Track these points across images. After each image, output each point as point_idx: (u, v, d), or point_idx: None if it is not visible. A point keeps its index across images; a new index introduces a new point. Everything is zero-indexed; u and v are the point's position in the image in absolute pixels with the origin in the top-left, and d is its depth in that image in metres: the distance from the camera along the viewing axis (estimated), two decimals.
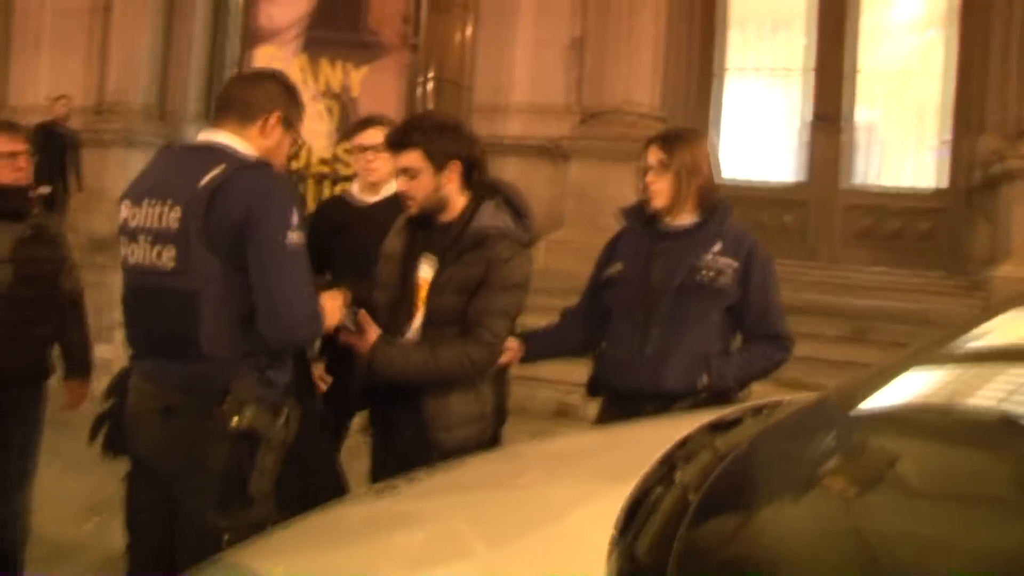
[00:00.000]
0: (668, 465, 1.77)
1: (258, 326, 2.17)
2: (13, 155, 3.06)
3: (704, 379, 2.70)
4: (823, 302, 6.32)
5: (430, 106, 6.84)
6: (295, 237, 2.16)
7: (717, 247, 2.76)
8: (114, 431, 2.31)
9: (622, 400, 2.86)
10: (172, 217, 2.12)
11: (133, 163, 7.83)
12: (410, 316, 2.73)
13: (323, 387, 3.42)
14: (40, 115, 9.18)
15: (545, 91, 7.71)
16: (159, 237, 2.14)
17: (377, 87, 6.19)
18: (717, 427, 2.19)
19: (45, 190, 8.52)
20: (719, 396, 2.70)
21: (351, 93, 6.21)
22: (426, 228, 2.75)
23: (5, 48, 9.80)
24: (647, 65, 7.38)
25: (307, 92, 6.16)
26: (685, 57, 8.14)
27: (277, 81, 2.38)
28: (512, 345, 2.93)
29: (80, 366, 3.29)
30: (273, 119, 2.29)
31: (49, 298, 3.18)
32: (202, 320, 2.12)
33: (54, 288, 3.20)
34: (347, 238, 3.33)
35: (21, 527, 3.18)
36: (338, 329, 2.57)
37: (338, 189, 5.92)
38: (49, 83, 9.54)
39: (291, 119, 2.35)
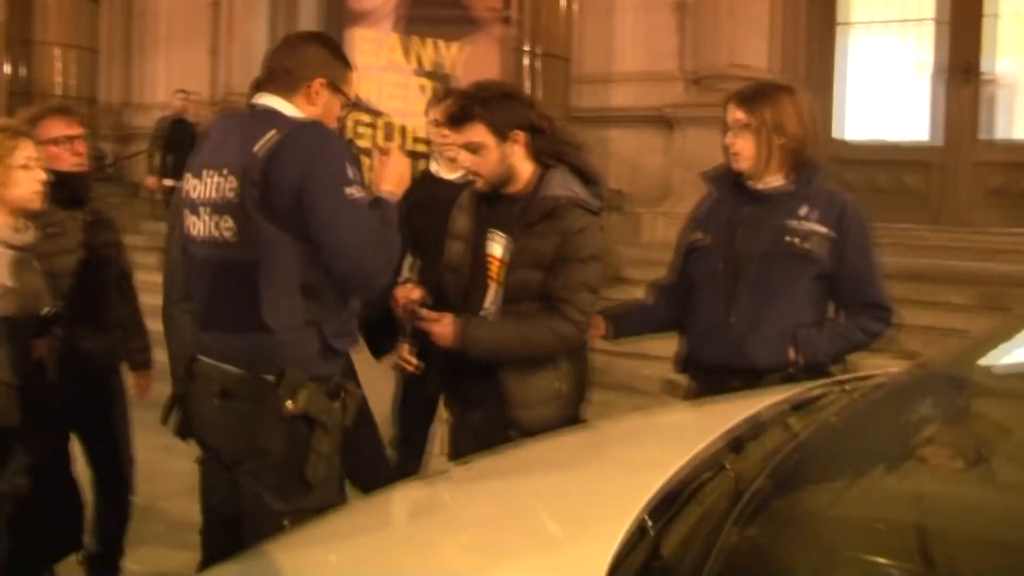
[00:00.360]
0: (725, 447, 1.63)
1: (342, 285, 2.19)
2: (70, 139, 3.02)
3: (793, 353, 2.52)
4: (950, 267, 5.88)
5: (531, 80, 6.72)
6: (356, 191, 2.12)
7: (805, 210, 2.55)
8: (184, 414, 2.33)
9: (710, 375, 2.70)
10: (228, 187, 2.11)
11: None
12: (483, 295, 2.65)
13: (411, 368, 3.41)
14: (165, 111, 9.58)
15: (651, 58, 7.46)
16: (217, 208, 2.14)
17: (474, 63, 6.10)
18: (798, 404, 2.03)
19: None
20: (811, 371, 2.51)
21: (448, 70, 6.14)
22: (492, 202, 2.67)
23: (130, 47, 10.26)
24: (759, 23, 7.03)
25: (403, 71, 6.13)
26: (804, 11, 7.72)
27: (317, 44, 2.30)
28: (595, 324, 2.84)
29: (140, 355, 3.28)
30: (316, 85, 2.22)
31: (115, 282, 3.20)
32: (262, 290, 2.10)
33: (116, 272, 3.21)
34: (432, 215, 3.27)
35: (126, 511, 3.27)
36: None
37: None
38: (172, 79, 9.93)
39: (336, 82, 2.27)
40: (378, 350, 2.80)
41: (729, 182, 2.71)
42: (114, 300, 3.19)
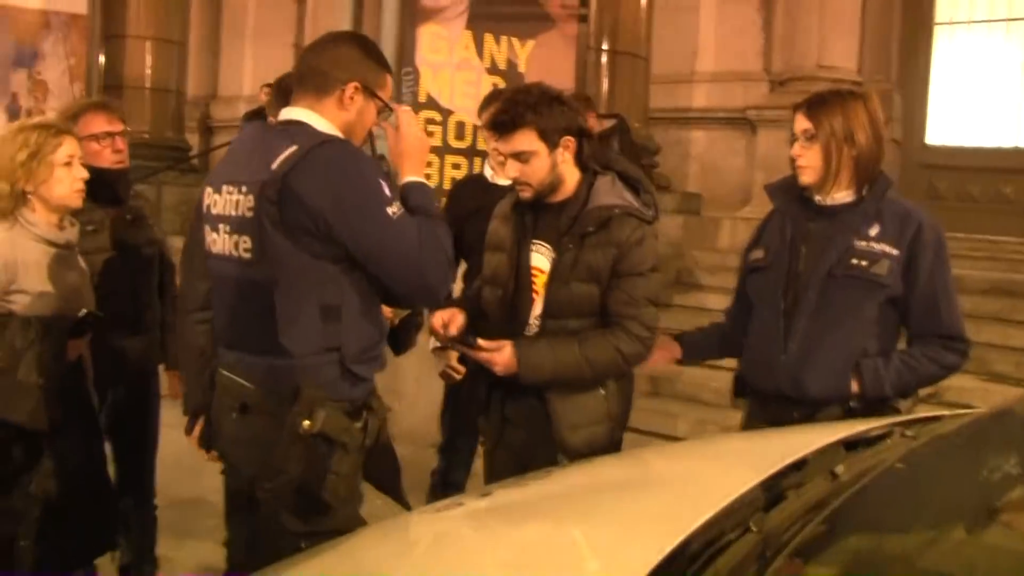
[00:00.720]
0: (759, 497, 1.46)
1: (408, 303, 2.19)
2: (111, 135, 2.96)
3: (855, 385, 2.31)
4: None
5: (604, 79, 6.54)
6: (396, 208, 2.01)
7: (875, 230, 2.34)
8: (207, 426, 2.27)
9: (766, 404, 2.52)
10: (246, 204, 2.01)
11: None
12: (527, 309, 2.53)
13: (459, 377, 3.31)
14: (251, 104, 9.71)
15: (734, 57, 7.18)
16: (236, 226, 2.04)
17: (545, 61, 5.94)
18: (851, 447, 1.85)
19: None
20: (875, 405, 2.31)
21: (518, 69, 6.01)
22: (535, 211, 2.53)
23: (218, 41, 10.44)
24: (849, 22, 6.69)
25: (474, 70, 6.02)
26: (898, 10, 7.36)
27: (353, 45, 2.16)
28: (668, 347, 2.73)
29: (175, 356, 3.14)
30: (350, 89, 2.09)
31: (153, 281, 3.15)
32: (280, 312, 2.00)
33: (155, 272, 3.16)
34: (482, 222, 3.16)
35: (151, 517, 3.24)
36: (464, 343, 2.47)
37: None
38: (257, 72, 10.04)
39: (371, 85, 2.13)
40: (397, 346, 2.69)
41: (794, 196, 2.52)
42: (153, 300, 3.14)
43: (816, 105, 2.39)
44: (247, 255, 2.02)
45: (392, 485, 2.30)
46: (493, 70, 5.88)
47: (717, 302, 6.32)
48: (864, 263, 2.32)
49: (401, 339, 2.66)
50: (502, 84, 5.68)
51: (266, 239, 1.98)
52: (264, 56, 10.35)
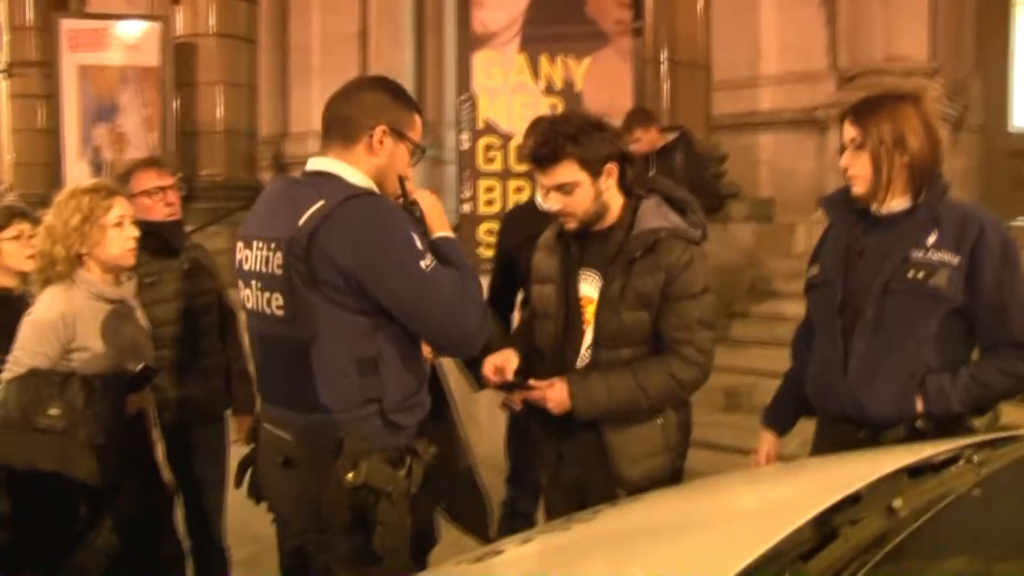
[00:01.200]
0: (809, 536, 1.37)
1: (448, 354, 2.21)
2: (162, 190, 3.06)
3: (919, 404, 2.18)
4: None
5: (664, 92, 6.42)
6: (429, 261, 1.98)
7: (933, 237, 2.19)
8: (254, 478, 2.27)
9: (832, 425, 2.40)
10: (275, 261, 1.99)
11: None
12: (579, 340, 2.48)
13: (519, 408, 3.27)
14: (317, 140, 9.87)
15: (799, 57, 6.96)
16: (267, 283, 2.03)
17: (602, 78, 5.90)
18: (915, 474, 1.73)
19: None
20: (945, 424, 2.16)
21: (575, 88, 5.98)
22: (580, 240, 2.48)
23: (286, 81, 10.67)
24: (912, 9, 6.38)
25: (532, 92, 6.01)
26: None
27: (377, 88, 2.13)
28: (767, 441, 2.61)
29: (244, 400, 3.25)
30: (378, 133, 2.06)
31: (214, 329, 3.20)
32: (316, 369, 1.99)
33: (216, 319, 3.22)
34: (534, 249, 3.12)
35: (221, 559, 3.28)
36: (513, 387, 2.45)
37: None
38: (321, 108, 10.23)
39: (400, 127, 2.09)
40: (480, 378, 2.66)
41: (850, 208, 2.38)
42: (215, 347, 3.20)
43: (862, 112, 2.26)
44: (279, 312, 2.01)
45: (478, 523, 2.26)
46: (549, 91, 5.88)
47: (794, 310, 6.08)
48: (921, 275, 2.17)
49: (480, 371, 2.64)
50: (560, 104, 5.67)
51: (297, 297, 1.96)
52: (332, 92, 10.54)
